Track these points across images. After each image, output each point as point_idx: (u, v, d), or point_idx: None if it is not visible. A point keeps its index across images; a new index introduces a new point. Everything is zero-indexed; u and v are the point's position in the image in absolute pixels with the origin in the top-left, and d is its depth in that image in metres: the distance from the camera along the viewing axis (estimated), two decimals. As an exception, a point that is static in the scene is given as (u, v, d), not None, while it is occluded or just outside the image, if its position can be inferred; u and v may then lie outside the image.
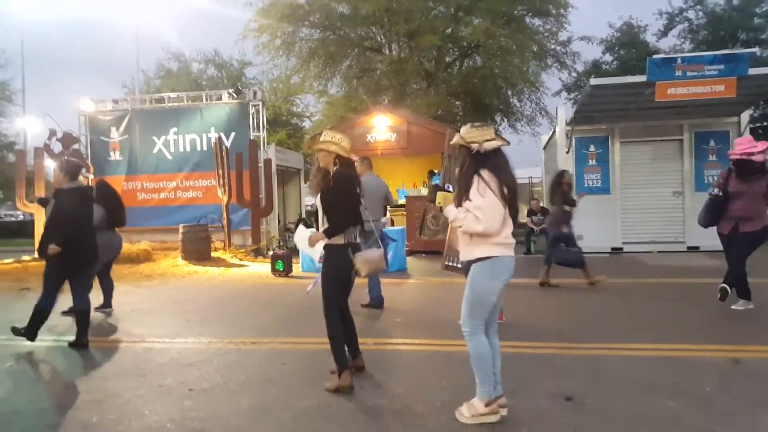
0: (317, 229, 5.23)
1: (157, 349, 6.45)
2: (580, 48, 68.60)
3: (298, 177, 21.59)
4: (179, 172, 17.83)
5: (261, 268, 13.58)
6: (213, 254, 15.16)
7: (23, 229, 27.59)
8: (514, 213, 4.06)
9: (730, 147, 13.99)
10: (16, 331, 6.62)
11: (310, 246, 5.07)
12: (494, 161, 4.01)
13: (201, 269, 13.50)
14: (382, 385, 4.96)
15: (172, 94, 19.53)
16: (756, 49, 19.41)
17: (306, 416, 4.34)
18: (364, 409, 4.46)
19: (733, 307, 7.66)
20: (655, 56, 13.35)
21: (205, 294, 10.34)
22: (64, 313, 7.94)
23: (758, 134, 19.77)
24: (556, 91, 29.24)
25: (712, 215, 7.74)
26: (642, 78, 12.14)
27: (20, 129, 32.29)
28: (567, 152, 15.04)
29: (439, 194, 4.20)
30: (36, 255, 13.46)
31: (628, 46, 27.95)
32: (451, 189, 4.35)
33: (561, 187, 9.94)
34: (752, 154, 7.31)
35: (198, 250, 14.64)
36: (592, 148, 15.14)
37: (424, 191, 16.77)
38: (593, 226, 15.01)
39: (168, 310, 8.91)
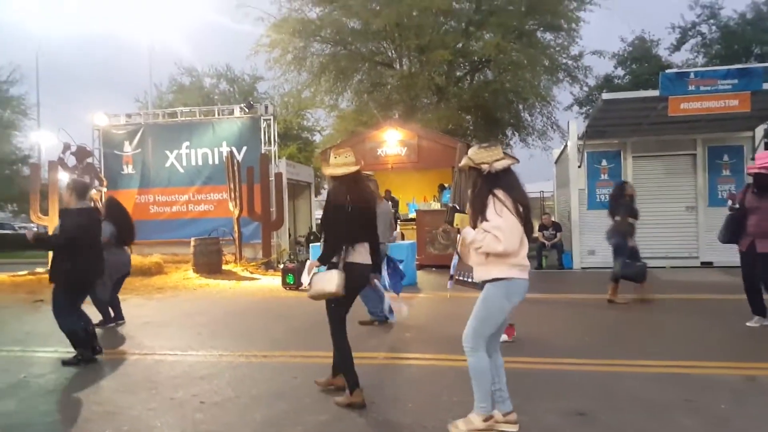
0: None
1: (168, 362, 6.46)
2: (592, 62, 68.42)
3: (308, 191, 21.68)
4: (191, 185, 17.95)
5: (272, 281, 13.59)
6: (224, 267, 15.19)
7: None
8: (528, 230, 4.04)
9: (744, 162, 13.98)
10: (67, 363, 6.44)
11: (307, 274, 5.09)
12: (506, 180, 4.01)
13: (212, 282, 13.53)
14: (393, 399, 4.94)
15: (185, 109, 19.70)
16: (770, 64, 19.31)
17: (317, 430, 4.33)
18: (375, 424, 4.44)
19: (747, 324, 7.55)
20: (667, 71, 13.32)
21: (216, 307, 10.35)
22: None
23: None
24: (567, 105, 29.20)
25: (731, 231, 7.65)
26: (655, 92, 12.09)
27: (35, 143, 32.60)
28: (579, 167, 15.00)
29: (457, 216, 4.19)
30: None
31: (641, 61, 27.94)
32: (464, 210, 4.33)
33: (624, 199, 9.72)
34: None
35: (209, 263, 14.67)
36: (604, 162, 15.08)
37: (435, 205, 16.77)
38: (606, 241, 14.93)
39: (179, 322, 8.92)
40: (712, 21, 26.92)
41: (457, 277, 7.45)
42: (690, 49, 27.80)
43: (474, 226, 4.05)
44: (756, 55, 25.75)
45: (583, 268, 14.89)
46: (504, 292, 4.02)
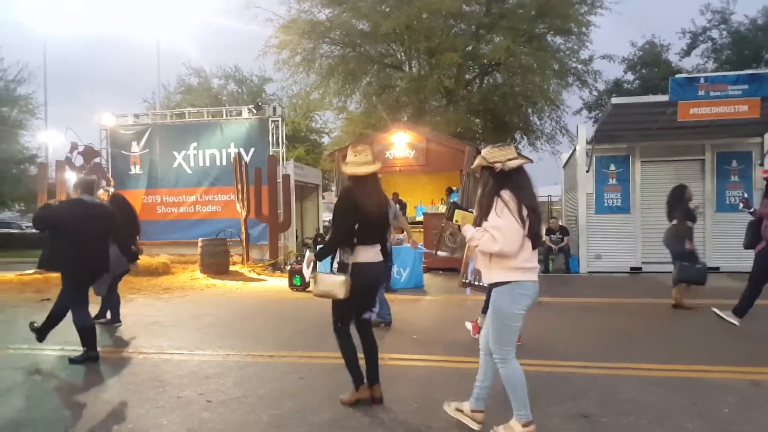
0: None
1: (175, 361, 6.49)
2: (602, 66, 68.64)
3: (316, 193, 21.70)
4: (199, 186, 17.99)
5: (278, 282, 13.62)
6: (231, 268, 15.23)
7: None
8: (534, 234, 4.00)
9: (753, 168, 13.96)
10: (74, 361, 6.49)
11: (306, 267, 5.09)
12: (517, 180, 4.00)
13: (219, 283, 13.57)
14: (398, 400, 4.95)
15: (193, 109, 19.76)
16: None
17: (322, 430, 4.35)
18: (380, 424, 4.46)
19: (712, 309, 8.01)
20: (677, 75, 13.29)
21: (223, 307, 10.38)
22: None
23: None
24: (576, 109, 29.25)
25: (751, 236, 7.75)
26: (664, 97, 12.06)
27: (42, 142, 32.68)
28: (587, 171, 14.98)
29: (458, 212, 4.17)
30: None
31: (651, 65, 27.90)
32: (471, 210, 4.33)
33: (683, 202, 9.59)
34: None
35: (216, 264, 14.72)
36: (612, 167, 15.06)
37: (442, 208, 16.77)
38: (613, 246, 14.94)
39: (187, 322, 8.95)
40: (723, 26, 26.88)
41: (463, 281, 7.49)
42: (700, 55, 27.80)
43: (477, 225, 4.06)
44: (766, 60, 25.67)
45: (589, 272, 14.87)
46: (509, 297, 4.01)
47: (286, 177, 16.97)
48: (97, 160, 16.65)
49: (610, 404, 4.81)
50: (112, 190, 16.20)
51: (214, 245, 15.04)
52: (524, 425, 4.05)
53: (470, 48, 24.92)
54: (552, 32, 25.53)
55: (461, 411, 4.34)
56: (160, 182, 18.24)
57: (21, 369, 6.29)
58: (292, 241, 17.84)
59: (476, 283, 7.29)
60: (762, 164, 10.02)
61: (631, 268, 14.79)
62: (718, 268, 14.07)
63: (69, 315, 6.59)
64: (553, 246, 15.52)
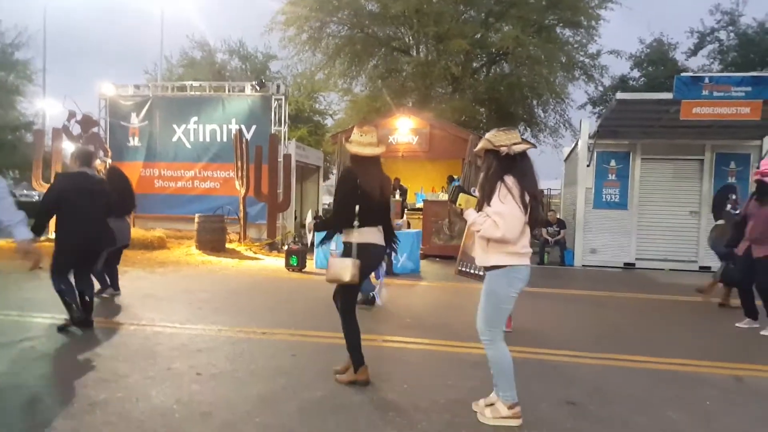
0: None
1: (167, 334, 6.52)
2: (609, 62, 68.25)
3: (317, 174, 21.64)
4: (198, 161, 17.88)
5: (275, 262, 13.65)
6: (227, 246, 15.25)
7: (37, 208, 27.70)
8: (534, 220, 4.04)
9: (750, 170, 14.00)
10: (62, 329, 6.53)
11: (308, 231, 5.15)
12: (521, 166, 4.02)
13: (215, 259, 13.59)
14: (389, 380, 4.99)
15: (195, 83, 19.51)
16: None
17: (313, 407, 4.39)
18: (370, 403, 4.50)
19: (737, 324, 7.72)
20: (683, 74, 13.28)
21: (217, 284, 10.41)
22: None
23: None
24: (581, 103, 29.16)
25: (734, 237, 7.86)
26: (668, 95, 12.06)
27: (39, 109, 32.37)
28: (588, 165, 14.99)
29: (462, 196, 4.19)
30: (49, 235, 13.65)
31: (657, 63, 27.84)
32: (473, 193, 4.35)
33: (730, 203, 9.49)
34: (766, 174, 7.37)
35: (213, 241, 14.73)
36: (613, 162, 15.07)
37: (443, 196, 16.77)
38: (608, 241, 14.99)
39: (180, 297, 8.98)
40: (731, 28, 26.79)
41: (459, 268, 7.51)
42: (707, 55, 27.71)
43: (480, 209, 4.07)
44: (772, 64, 25.64)
45: (584, 265, 14.93)
46: (505, 280, 4.05)
47: (287, 157, 16.93)
48: (94, 129, 16.37)
49: (597, 393, 4.86)
50: (109, 161, 16.26)
51: (211, 222, 15.04)
52: (510, 407, 4.10)
53: (479, 36, 24.84)
54: (561, 24, 25.44)
55: (492, 404, 4.30)
56: (159, 156, 18.11)
57: (9, 335, 6.31)
58: (291, 222, 17.83)
59: (465, 269, 7.31)
60: (759, 167, 10.03)
61: (625, 264, 14.85)
62: (710, 268, 14.12)
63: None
64: (550, 238, 15.56)
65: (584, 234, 15.09)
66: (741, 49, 26.38)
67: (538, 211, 4.09)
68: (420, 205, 16.46)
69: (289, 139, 18.11)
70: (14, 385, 4.72)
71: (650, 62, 28.28)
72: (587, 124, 15.51)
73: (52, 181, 7.54)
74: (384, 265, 8.22)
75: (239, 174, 15.81)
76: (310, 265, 12.56)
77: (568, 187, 18.72)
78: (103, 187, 6.96)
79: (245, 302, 8.80)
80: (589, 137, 14.96)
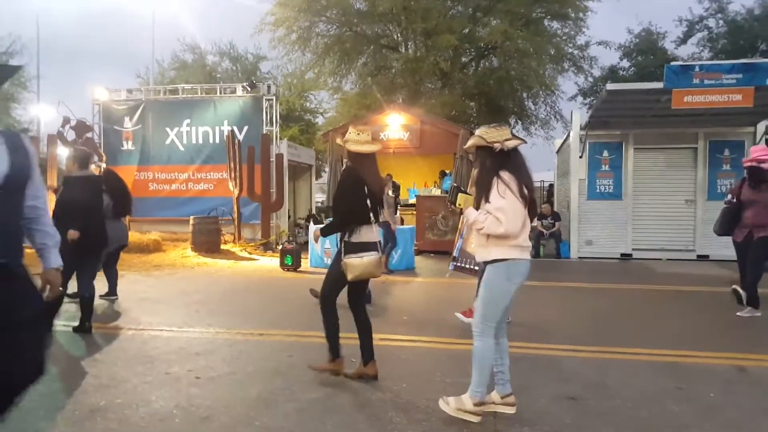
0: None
1: (164, 338, 6.50)
2: (598, 53, 68.38)
3: (309, 173, 21.63)
4: (191, 164, 17.85)
5: (270, 262, 13.63)
6: (222, 247, 15.22)
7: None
8: (532, 212, 4.07)
9: (745, 156, 14.00)
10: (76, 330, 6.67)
11: (315, 241, 5.16)
12: (515, 161, 4.03)
13: (210, 261, 13.56)
14: (387, 379, 4.97)
15: (187, 86, 19.58)
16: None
17: (311, 407, 4.38)
18: (368, 403, 4.49)
19: (738, 314, 7.68)
20: (672, 63, 13.28)
21: (213, 286, 10.39)
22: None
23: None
24: (571, 95, 29.18)
25: (727, 223, 7.81)
26: (659, 85, 12.06)
27: (34, 116, 32.37)
28: (580, 157, 15.00)
29: (461, 196, 4.21)
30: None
31: (646, 53, 27.87)
32: (467, 191, 4.35)
33: None
34: (762, 161, 7.37)
35: (208, 242, 14.70)
36: (605, 153, 15.07)
37: (435, 191, 16.79)
38: (604, 232, 15.00)
39: (176, 300, 8.95)
40: (719, 15, 26.81)
41: (457, 264, 7.51)
42: (696, 43, 27.75)
43: (477, 207, 4.07)
44: (761, 50, 25.68)
45: (580, 257, 14.94)
46: (505, 274, 4.04)
47: (280, 156, 16.89)
48: (89, 134, 16.42)
49: (597, 387, 4.84)
50: (104, 165, 16.20)
51: (205, 223, 15.01)
52: (476, 404, 4.08)
53: (467, 30, 24.87)
54: (549, 17, 25.52)
55: (493, 402, 4.31)
56: (153, 159, 18.06)
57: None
58: (284, 221, 17.80)
59: (462, 265, 7.32)
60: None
61: (622, 255, 14.86)
62: (707, 256, 14.18)
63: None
64: (545, 231, 15.57)
65: (579, 225, 15.10)
66: (730, 36, 26.41)
67: (534, 205, 4.10)
68: (413, 200, 16.45)
69: (280, 138, 18.07)
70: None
71: (639, 52, 28.30)
72: (578, 115, 15.51)
73: (61, 184, 7.51)
74: None
75: (232, 175, 15.80)
76: (305, 264, 12.55)
77: (561, 179, 18.73)
78: (101, 187, 7.05)
79: (241, 303, 8.78)
80: (581, 128, 14.97)
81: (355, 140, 4.89)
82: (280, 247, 13.61)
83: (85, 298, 6.70)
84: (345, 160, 5.07)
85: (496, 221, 3.89)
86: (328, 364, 4.96)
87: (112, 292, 8.62)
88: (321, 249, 12.12)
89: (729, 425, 4.14)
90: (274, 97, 17.55)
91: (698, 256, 14.45)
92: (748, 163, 7.59)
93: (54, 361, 5.66)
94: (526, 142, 4.18)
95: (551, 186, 25.03)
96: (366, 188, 4.82)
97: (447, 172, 17.03)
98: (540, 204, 17.23)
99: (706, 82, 11.54)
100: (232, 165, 15.74)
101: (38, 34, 33.41)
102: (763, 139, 14.10)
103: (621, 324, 7.46)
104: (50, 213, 3.14)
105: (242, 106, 17.70)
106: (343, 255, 4.82)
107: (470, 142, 4.17)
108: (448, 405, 4.13)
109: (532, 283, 9.56)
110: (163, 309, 8.19)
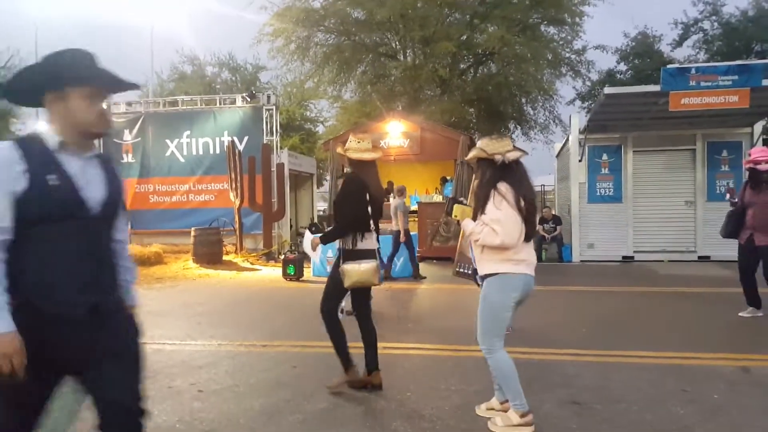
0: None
1: (167, 351, 6.48)
2: (595, 57, 68.53)
3: (310, 182, 21.64)
4: (192, 175, 17.86)
5: (272, 272, 13.62)
6: (224, 258, 15.20)
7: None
8: (531, 228, 4.03)
9: (743, 157, 14.03)
10: None
11: (312, 250, 5.14)
12: (516, 172, 4.03)
13: (212, 272, 13.55)
14: (392, 388, 4.97)
15: (186, 97, 19.55)
16: (771, 60, 19.25)
17: (316, 419, 4.37)
18: (374, 412, 4.48)
19: (740, 314, 7.70)
20: (669, 66, 13.31)
21: (215, 297, 10.38)
22: None
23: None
24: (569, 99, 29.22)
25: (732, 226, 7.80)
26: (656, 87, 12.11)
27: (33, 130, 32.40)
28: (580, 161, 15.01)
29: (456, 207, 4.21)
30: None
31: (643, 56, 27.91)
32: (464, 202, 4.36)
33: None
34: (759, 162, 7.39)
35: (209, 254, 14.67)
36: (605, 156, 15.10)
37: (437, 198, 16.78)
38: (605, 235, 15.00)
39: (179, 312, 8.95)
40: (714, 17, 26.85)
41: (457, 269, 7.50)
42: (692, 46, 27.79)
43: (475, 218, 4.07)
44: (756, 52, 25.73)
45: (582, 261, 14.93)
46: (498, 287, 4.03)
47: (280, 166, 16.89)
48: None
49: (601, 391, 4.84)
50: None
51: (207, 234, 15.00)
52: (522, 415, 4.02)
53: (465, 37, 24.92)
54: (546, 22, 25.55)
55: (492, 408, 4.31)
56: (153, 171, 18.06)
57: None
58: (286, 231, 17.79)
59: (462, 270, 7.31)
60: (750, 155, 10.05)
61: (623, 257, 14.86)
62: (708, 257, 14.17)
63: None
64: (546, 235, 15.56)
65: (580, 229, 15.11)
66: (725, 38, 26.46)
67: (534, 217, 4.09)
68: (414, 207, 16.46)
69: (281, 148, 18.09)
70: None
71: (636, 55, 28.35)
72: (577, 119, 15.54)
73: None
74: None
75: (233, 185, 15.82)
76: (308, 273, 12.54)
77: (562, 183, 18.75)
78: None
79: (244, 314, 8.78)
80: (580, 132, 14.99)
81: (356, 148, 4.91)
82: (282, 257, 13.61)
83: None
84: (345, 168, 5.08)
85: (492, 232, 3.89)
86: (343, 377, 4.92)
87: None
88: (323, 257, 12.09)
89: (734, 426, 4.13)
90: (274, 107, 17.57)
91: (699, 257, 14.45)
92: (749, 165, 7.63)
93: None
94: (527, 154, 4.17)
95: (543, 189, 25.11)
96: (367, 195, 4.83)
97: (448, 178, 17.03)
98: (542, 209, 17.25)
99: (702, 84, 11.58)
100: (233, 175, 15.76)
101: (36, 49, 33.50)
102: (760, 139, 14.12)
103: (624, 327, 7.44)
104: None
105: (242, 117, 17.72)
106: (341, 262, 4.83)
107: (471, 154, 4.17)
108: (498, 425, 4.08)
109: (534, 287, 9.59)
110: (166, 322, 8.17)
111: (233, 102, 18.26)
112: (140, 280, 11.99)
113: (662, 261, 14.37)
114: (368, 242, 4.86)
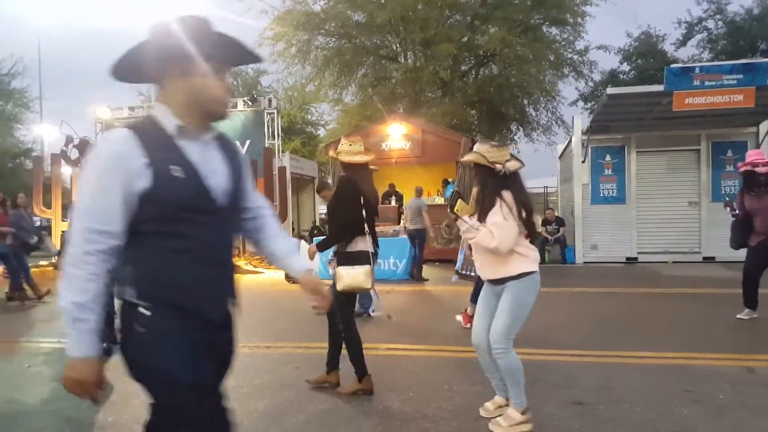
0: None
1: (171, 353, 6.46)
2: (598, 57, 68.46)
3: (312, 185, 21.66)
4: (194, 179, 17.82)
5: (275, 274, 13.61)
6: (227, 261, 15.15)
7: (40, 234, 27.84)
8: (532, 230, 4.07)
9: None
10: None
11: (310, 260, 5.11)
12: (515, 182, 4.05)
13: (215, 275, 13.51)
14: (394, 388, 4.97)
15: (188, 102, 19.57)
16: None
17: (319, 419, 4.37)
18: (377, 413, 4.48)
19: (737, 316, 7.64)
20: (673, 65, 13.29)
21: (219, 299, 10.35)
22: None
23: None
24: (572, 100, 29.23)
25: (739, 236, 7.68)
26: (660, 87, 12.07)
27: (37, 136, 32.44)
28: (583, 162, 15.00)
29: (460, 202, 4.21)
30: (53, 260, 13.72)
31: (646, 56, 27.90)
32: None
33: None
34: (756, 165, 7.26)
35: (212, 257, 14.62)
36: (608, 157, 15.07)
37: (439, 200, 16.76)
38: (608, 236, 14.97)
39: (182, 314, 8.92)
40: (718, 16, 26.84)
41: (461, 272, 7.49)
42: (696, 45, 27.79)
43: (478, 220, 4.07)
44: (762, 50, 25.70)
45: (585, 262, 14.91)
46: (530, 287, 4.06)
47: (282, 169, 16.91)
48: (92, 153, 16.50)
49: (605, 392, 4.82)
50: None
51: (209, 238, 14.95)
52: (522, 412, 4.06)
53: (466, 39, 24.87)
54: (547, 23, 25.49)
55: (501, 406, 4.28)
56: (156, 176, 18.04)
57: (17, 361, 6.29)
58: (289, 233, 17.77)
59: (465, 272, 7.31)
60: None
61: (627, 258, 14.83)
62: (713, 258, 14.13)
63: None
64: (549, 237, 15.55)
65: (584, 230, 15.08)
66: (730, 37, 26.43)
67: (534, 224, 4.12)
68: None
69: (283, 151, 18.15)
70: (25, 412, 4.71)
71: (639, 55, 28.34)
72: (579, 120, 15.53)
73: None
74: None
75: (235, 189, 15.79)
76: (311, 276, 12.49)
77: (565, 184, 18.72)
78: None
79: (247, 317, 8.73)
80: (583, 133, 14.98)
81: (348, 151, 4.91)
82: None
83: None
84: (339, 172, 5.09)
85: (490, 234, 3.90)
86: (354, 385, 4.89)
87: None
88: (324, 261, 12.07)
89: (738, 427, 4.11)
90: (275, 111, 17.62)
91: (704, 258, 14.41)
92: (743, 168, 7.48)
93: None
94: (524, 165, 4.18)
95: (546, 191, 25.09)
96: (362, 198, 4.81)
97: (450, 180, 17.01)
98: (544, 210, 17.23)
99: (706, 83, 11.55)
100: (234, 179, 15.74)
101: (39, 55, 33.61)
102: (766, 139, 14.07)
103: (628, 327, 7.42)
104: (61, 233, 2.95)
105: (243, 121, 17.75)
106: (335, 264, 4.83)
107: (469, 158, 4.15)
108: (501, 425, 4.07)
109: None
110: (169, 324, 8.15)
111: (234, 106, 18.23)
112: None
113: (666, 262, 14.34)
114: (362, 245, 4.83)
